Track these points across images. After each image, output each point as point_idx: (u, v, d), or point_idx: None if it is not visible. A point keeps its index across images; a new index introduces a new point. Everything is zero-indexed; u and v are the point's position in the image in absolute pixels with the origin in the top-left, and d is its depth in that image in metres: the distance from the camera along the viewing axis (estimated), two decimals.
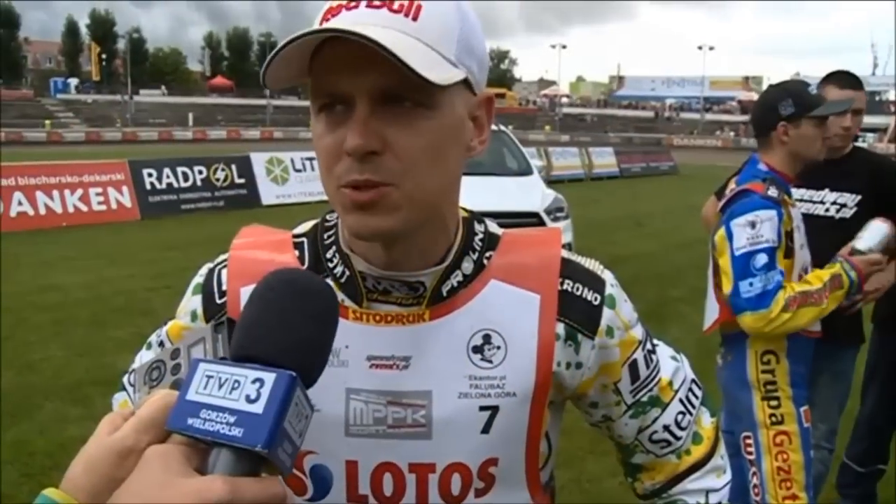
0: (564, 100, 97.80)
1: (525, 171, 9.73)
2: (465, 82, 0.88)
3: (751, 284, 2.46)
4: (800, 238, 2.59)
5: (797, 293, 2.46)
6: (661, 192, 21.30)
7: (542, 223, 8.19)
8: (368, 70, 0.81)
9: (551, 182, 12.63)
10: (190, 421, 0.61)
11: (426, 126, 0.85)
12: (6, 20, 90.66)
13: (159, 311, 7.40)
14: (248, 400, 0.60)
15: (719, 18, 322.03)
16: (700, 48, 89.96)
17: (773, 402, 2.63)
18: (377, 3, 0.83)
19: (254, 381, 0.61)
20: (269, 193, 16.82)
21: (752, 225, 2.47)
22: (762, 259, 2.45)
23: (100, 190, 14.13)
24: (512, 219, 7.28)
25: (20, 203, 12.92)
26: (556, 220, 8.40)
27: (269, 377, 0.61)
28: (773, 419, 2.63)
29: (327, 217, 1.04)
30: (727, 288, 2.54)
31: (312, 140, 0.90)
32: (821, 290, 2.50)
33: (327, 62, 0.83)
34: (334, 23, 0.83)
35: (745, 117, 73.88)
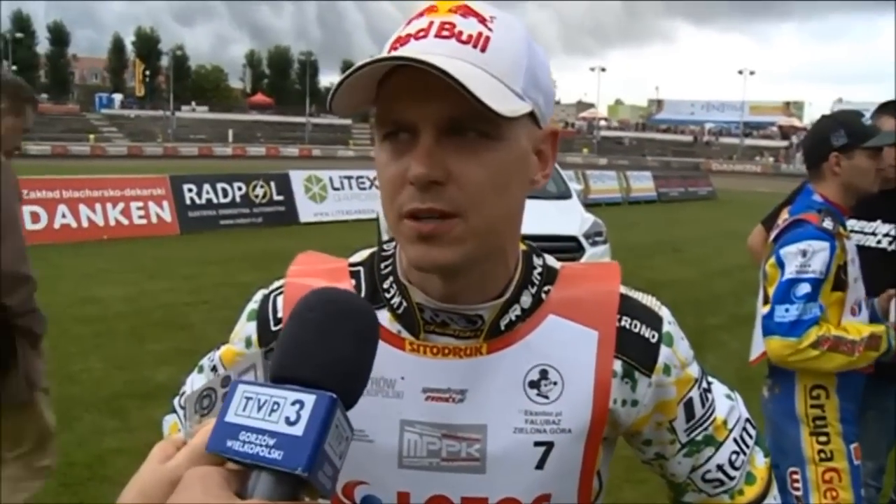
0: (603, 123, 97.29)
1: (564, 194, 9.68)
2: (531, 115, 0.88)
3: (787, 310, 2.43)
4: (854, 271, 2.54)
5: (832, 336, 2.42)
6: (699, 218, 21.09)
7: (580, 247, 8.15)
8: (434, 99, 0.81)
9: (588, 205, 12.56)
10: (229, 443, 0.60)
11: (490, 158, 0.84)
12: (57, 38, 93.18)
13: (197, 326, 7.49)
14: (288, 422, 0.59)
15: (760, 43, 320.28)
16: (740, 72, 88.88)
17: (822, 438, 2.58)
18: (446, 33, 0.83)
19: (293, 403, 0.60)
20: (307, 211, 16.96)
21: (804, 254, 2.44)
22: (804, 288, 2.42)
23: (141, 204, 14.39)
24: (551, 242, 7.25)
25: (64, 216, 13.20)
26: (594, 244, 8.34)
27: (309, 399, 0.60)
28: (822, 455, 2.58)
29: (385, 247, 1.03)
30: (765, 309, 2.51)
31: (376, 168, 0.90)
32: (856, 343, 2.45)
33: (394, 90, 0.83)
34: (402, 52, 0.83)
35: (786, 143, 73.02)
